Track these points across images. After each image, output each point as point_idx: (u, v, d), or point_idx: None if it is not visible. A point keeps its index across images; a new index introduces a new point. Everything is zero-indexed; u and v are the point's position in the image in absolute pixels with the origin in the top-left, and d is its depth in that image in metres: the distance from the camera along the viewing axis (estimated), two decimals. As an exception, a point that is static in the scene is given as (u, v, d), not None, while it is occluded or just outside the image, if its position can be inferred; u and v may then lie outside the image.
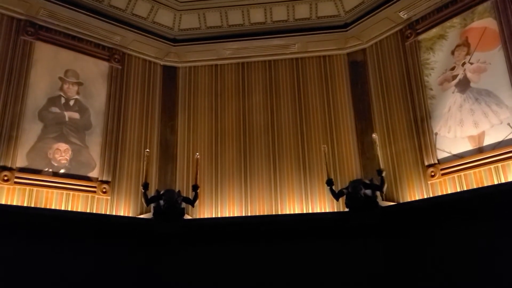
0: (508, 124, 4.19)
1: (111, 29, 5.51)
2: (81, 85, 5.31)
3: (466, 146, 4.51)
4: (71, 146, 5.03)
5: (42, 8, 5.02)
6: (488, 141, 4.33)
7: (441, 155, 4.68)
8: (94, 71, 5.47)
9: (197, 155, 5.32)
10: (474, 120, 4.48)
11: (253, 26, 5.81)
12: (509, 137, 4.15)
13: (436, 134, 4.82)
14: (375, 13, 5.37)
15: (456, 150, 4.59)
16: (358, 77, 5.76)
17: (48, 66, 5.11)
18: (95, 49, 5.52)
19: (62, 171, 4.89)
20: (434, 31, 5.05)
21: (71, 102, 5.19)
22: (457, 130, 4.62)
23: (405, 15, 5.27)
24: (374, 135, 5.05)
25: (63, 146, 4.97)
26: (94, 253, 4.70)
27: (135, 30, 5.64)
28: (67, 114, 5.11)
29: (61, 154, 4.93)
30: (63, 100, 5.13)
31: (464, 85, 4.64)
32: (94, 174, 5.10)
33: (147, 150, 5.28)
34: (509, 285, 3.82)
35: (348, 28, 5.67)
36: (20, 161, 4.64)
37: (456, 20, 4.85)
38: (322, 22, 5.73)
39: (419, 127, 4.98)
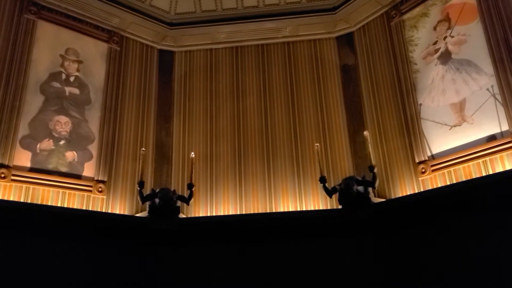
0: (487, 89, 4.43)
1: (110, 11, 5.75)
2: (81, 63, 5.51)
3: (448, 113, 4.74)
4: (71, 119, 5.20)
5: (44, -12, 5.28)
6: (468, 107, 4.57)
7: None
8: (94, 51, 5.68)
9: (192, 154, 5.40)
10: (455, 88, 4.72)
11: (246, 10, 6.08)
12: (490, 104, 4.39)
13: (420, 105, 5.05)
14: (361, -6, 5.67)
15: (439, 118, 4.82)
16: (348, 61, 5.97)
17: (49, 43, 5.31)
18: (94, 30, 5.74)
19: (62, 142, 5.06)
20: (417, 10, 5.33)
21: (71, 79, 5.38)
22: (440, 99, 4.86)
23: (390, -3, 5.57)
24: (365, 133, 5.15)
25: (63, 118, 5.15)
26: (88, 250, 4.74)
27: (133, 13, 5.88)
28: (68, 89, 5.30)
29: (62, 126, 5.10)
30: (63, 76, 5.32)
31: (446, 57, 4.90)
32: (92, 155, 5.26)
33: (143, 149, 5.36)
34: (507, 278, 3.89)
35: (336, 11, 5.95)
36: (23, 130, 4.82)
37: (437, -2, 5.16)
38: (312, 6, 6.00)
39: (407, 108, 5.17)
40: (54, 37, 5.38)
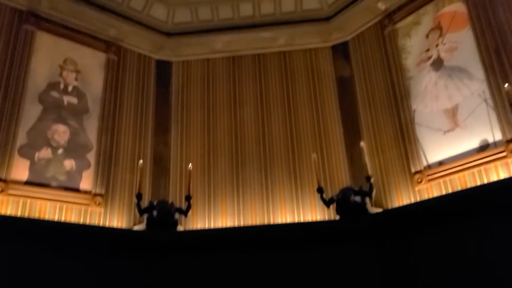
0: (479, 94, 4.51)
1: (108, 21, 5.85)
2: (79, 73, 5.58)
3: (441, 118, 4.83)
4: (69, 128, 5.25)
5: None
6: (461, 112, 4.65)
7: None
8: (92, 61, 5.74)
9: (190, 166, 5.39)
10: (448, 94, 4.81)
11: (242, 20, 6.18)
12: (481, 108, 4.47)
13: (414, 110, 5.14)
14: (354, 5, 5.79)
15: (433, 124, 4.90)
16: (343, 72, 6.05)
17: (48, 54, 5.38)
18: (92, 40, 5.81)
19: (60, 151, 5.10)
20: (409, 19, 5.45)
21: (70, 88, 5.44)
22: (433, 105, 4.94)
23: (383, 7, 5.66)
24: (361, 143, 5.21)
25: (61, 127, 5.19)
26: (86, 263, 4.71)
27: (131, 23, 5.97)
28: (66, 98, 5.36)
29: (60, 135, 5.14)
30: (62, 86, 5.38)
31: (438, 64, 5.00)
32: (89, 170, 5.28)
33: (141, 161, 5.35)
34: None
35: (330, 21, 6.06)
36: (21, 139, 4.85)
37: (429, 7, 5.25)
38: (307, 16, 6.12)
39: (401, 114, 5.24)
40: (52, 47, 5.46)
